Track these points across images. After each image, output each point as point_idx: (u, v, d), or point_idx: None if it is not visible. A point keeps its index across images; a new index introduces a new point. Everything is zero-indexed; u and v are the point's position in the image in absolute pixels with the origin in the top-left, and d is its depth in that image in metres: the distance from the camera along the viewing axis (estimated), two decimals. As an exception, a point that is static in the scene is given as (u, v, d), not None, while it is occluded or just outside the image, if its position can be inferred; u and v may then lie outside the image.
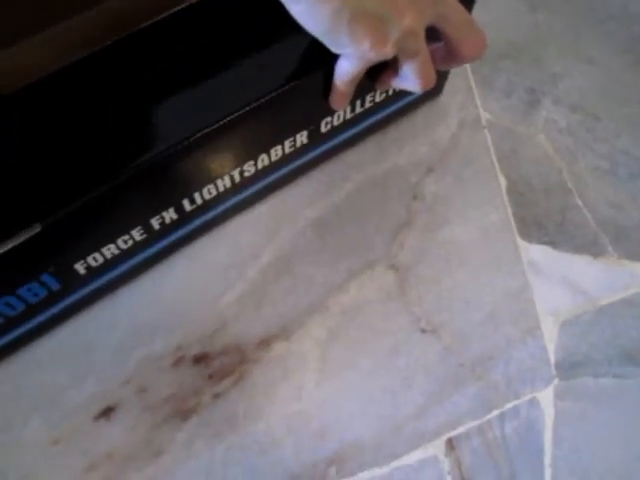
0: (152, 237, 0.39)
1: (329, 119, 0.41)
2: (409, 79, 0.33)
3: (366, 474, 0.38)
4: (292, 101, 0.38)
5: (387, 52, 0.30)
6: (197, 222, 0.41)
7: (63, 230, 0.34)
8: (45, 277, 0.36)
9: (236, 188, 0.41)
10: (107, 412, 0.39)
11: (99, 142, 0.34)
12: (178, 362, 0.40)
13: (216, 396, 0.40)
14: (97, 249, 0.37)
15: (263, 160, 0.41)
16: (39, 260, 0.35)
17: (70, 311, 0.40)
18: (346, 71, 0.33)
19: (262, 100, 0.35)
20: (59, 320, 0.40)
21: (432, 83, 0.34)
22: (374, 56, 0.30)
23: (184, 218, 0.40)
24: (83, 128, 0.34)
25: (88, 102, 0.34)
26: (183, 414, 0.39)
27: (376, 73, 0.36)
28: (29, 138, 0.34)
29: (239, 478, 0.38)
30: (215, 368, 0.40)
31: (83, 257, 0.37)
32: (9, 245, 0.32)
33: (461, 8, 0.32)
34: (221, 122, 0.35)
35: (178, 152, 0.34)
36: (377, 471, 0.38)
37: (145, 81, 0.35)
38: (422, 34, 0.31)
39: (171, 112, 0.35)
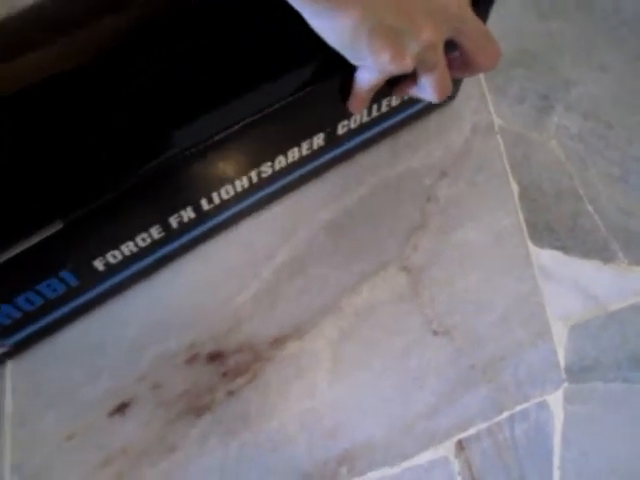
0: (170, 235, 0.39)
1: (346, 122, 0.42)
2: (426, 90, 0.34)
3: (377, 473, 0.39)
4: (311, 104, 0.38)
5: (406, 65, 0.30)
6: (213, 222, 0.42)
7: (84, 227, 0.34)
8: (64, 273, 0.37)
9: (253, 189, 0.42)
10: (122, 408, 0.40)
11: (122, 141, 0.34)
12: (192, 360, 0.41)
13: (230, 394, 0.40)
14: (116, 246, 0.38)
15: (280, 162, 0.41)
16: (60, 256, 0.35)
17: (86, 307, 0.41)
18: (366, 81, 0.34)
19: (282, 103, 0.36)
20: (75, 316, 0.41)
21: (448, 93, 0.34)
22: (393, 69, 0.30)
23: (201, 217, 0.40)
24: (106, 127, 0.34)
25: (108, 101, 0.35)
26: (197, 411, 0.40)
27: (395, 81, 0.37)
28: (51, 136, 0.34)
29: (252, 475, 0.39)
30: (229, 366, 0.41)
31: (102, 254, 0.37)
32: (31, 241, 0.32)
33: (477, 20, 0.33)
34: (241, 124, 0.35)
35: (198, 153, 0.35)
36: (388, 471, 0.39)
37: (166, 84, 0.35)
38: (441, 48, 0.32)
39: (192, 113, 0.35)
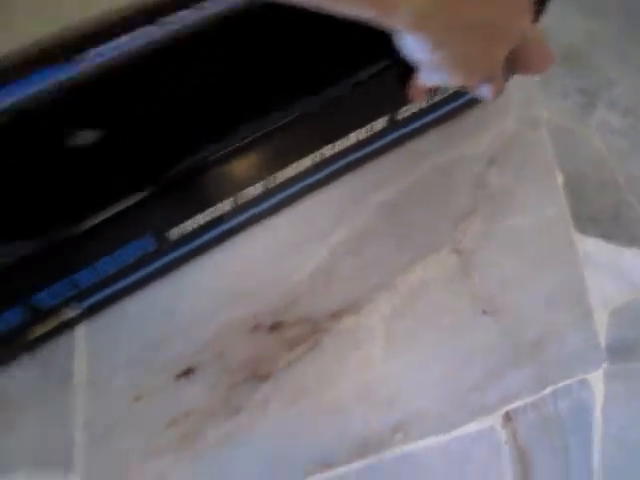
0: (238, 209, 0.42)
1: (406, 108, 0.44)
2: (483, 92, 0.37)
3: (428, 441, 0.41)
4: (377, 89, 0.40)
5: (472, 86, 0.33)
6: (277, 198, 0.44)
7: (167, 195, 0.36)
8: (142, 241, 0.39)
9: (316, 168, 0.44)
10: (188, 372, 0.42)
11: (207, 118, 0.36)
12: (255, 329, 0.43)
13: (290, 363, 0.42)
14: (192, 216, 0.40)
15: (343, 143, 0.43)
16: (141, 224, 0.38)
17: (158, 274, 0.43)
18: (429, 82, 0.36)
19: (349, 87, 0.38)
20: (147, 282, 0.43)
21: (500, 94, 0.37)
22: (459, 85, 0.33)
23: (267, 193, 0.42)
24: (193, 103, 0.36)
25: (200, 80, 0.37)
26: (259, 378, 0.42)
27: None
28: (140, 111, 0.36)
29: (310, 440, 0.41)
30: (289, 336, 0.43)
31: (178, 223, 0.39)
32: (119, 207, 0.35)
33: (537, 30, 0.35)
34: (311, 108, 0.37)
35: (272, 133, 0.37)
36: (439, 438, 0.41)
37: (251, 71, 0.37)
38: (501, 66, 0.34)
39: (271, 96, 0.37)
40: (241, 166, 0.39)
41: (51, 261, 0.36)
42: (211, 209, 0.40)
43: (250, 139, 0.36)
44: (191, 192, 0.38)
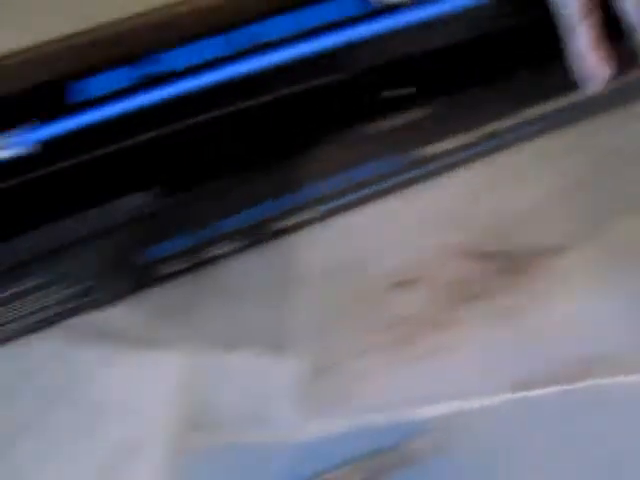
0: (481, 139, 0.45)
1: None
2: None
3: (623, 378, 0.44)
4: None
5: None
6: (507, 138, 0.47)
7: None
8: (389, 158, 0.43)
9: (539, 119, 0.47)
10: (403, 284, 0.45)
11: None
12: (466, 255, 0.46)
13: (495, 290, 0.45)
14: (436, 142, 0.43)
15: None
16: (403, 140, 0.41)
17: (386, 192, 0.46)
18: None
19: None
20: (375, 197, 0.46)
21: None
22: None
23: (504, 131, 0.46)
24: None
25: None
26: (465, 299, 0.45)
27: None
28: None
29: (509, 362, 0.44)
30: (496, 266, 0.46)
31: (434, 142, 0.43)
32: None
33: None
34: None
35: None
36: (632, 378, 0.44)
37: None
38: None
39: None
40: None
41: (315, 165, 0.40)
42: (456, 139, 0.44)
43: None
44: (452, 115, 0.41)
